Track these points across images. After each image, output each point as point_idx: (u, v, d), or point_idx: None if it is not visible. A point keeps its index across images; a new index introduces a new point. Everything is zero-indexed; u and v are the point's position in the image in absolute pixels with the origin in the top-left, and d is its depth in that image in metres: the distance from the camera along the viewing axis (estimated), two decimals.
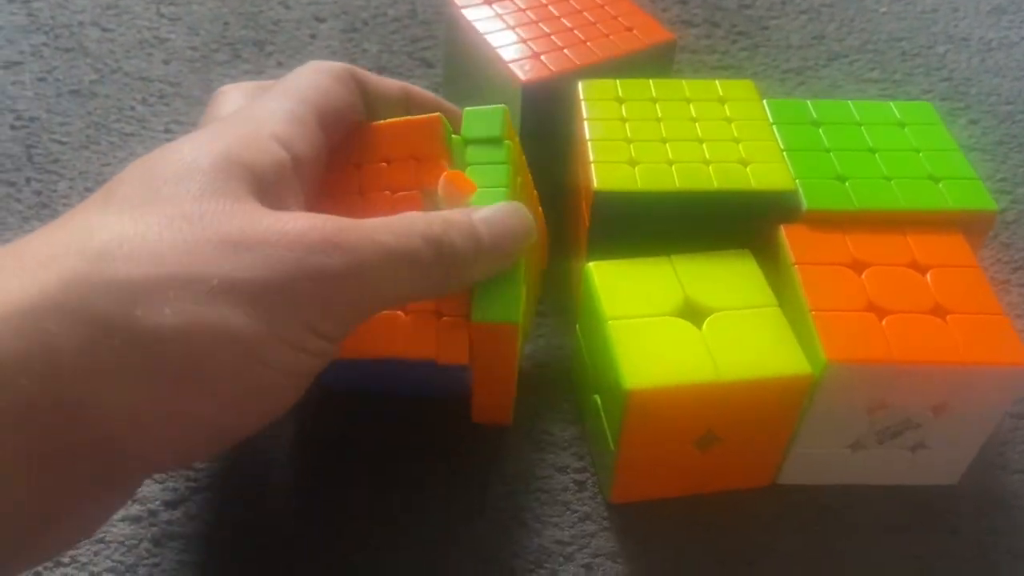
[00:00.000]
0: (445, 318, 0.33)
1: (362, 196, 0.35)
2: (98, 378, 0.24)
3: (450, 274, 0.31)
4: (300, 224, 0.27)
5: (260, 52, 0.60)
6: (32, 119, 0.54)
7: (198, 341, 0.25)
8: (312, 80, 0.34)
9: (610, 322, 0.35)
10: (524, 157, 0.39)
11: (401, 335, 0.33)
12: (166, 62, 0.59)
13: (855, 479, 0.38)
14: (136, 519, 0.35)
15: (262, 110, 0.32)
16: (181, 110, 0.55)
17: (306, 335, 0.27)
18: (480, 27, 0.46)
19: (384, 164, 0.36)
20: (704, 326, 0.35)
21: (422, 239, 0.30)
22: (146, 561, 0.34)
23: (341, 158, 0.36)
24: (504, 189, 0.35)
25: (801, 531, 0.37)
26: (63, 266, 0.24)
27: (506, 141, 0.36)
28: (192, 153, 0.29)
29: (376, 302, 0.29)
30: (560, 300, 0.44)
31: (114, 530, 0.35)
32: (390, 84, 0.38)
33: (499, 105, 0.37)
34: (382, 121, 0.37)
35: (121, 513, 0.35)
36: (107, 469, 0.25)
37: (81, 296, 0.24)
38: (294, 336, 0.27)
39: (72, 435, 0.24)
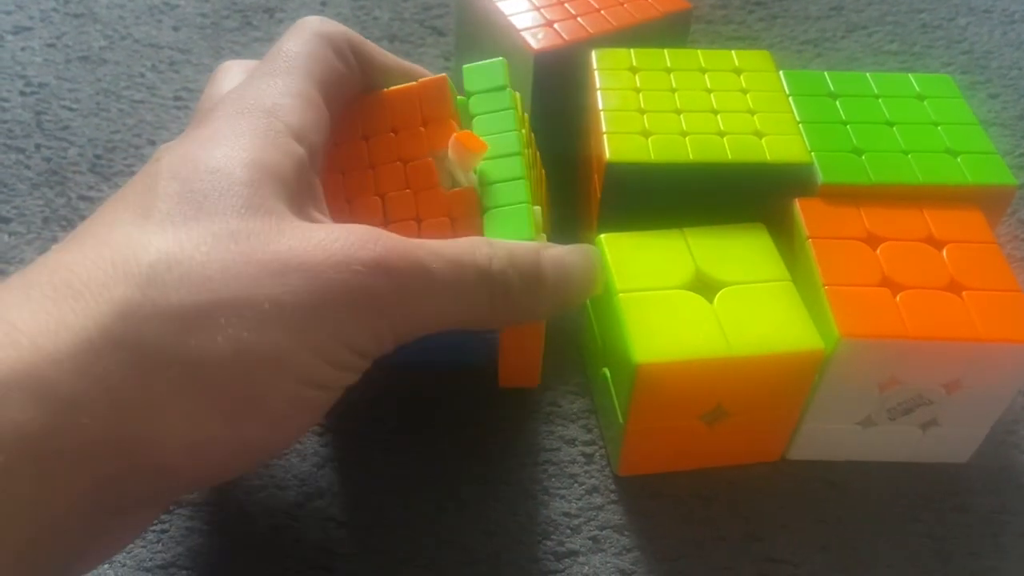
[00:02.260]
0: None
1: (374, 169, 0.35)
2: (156, 412, 0.24)
3: (500, 312, 0.30)
4: (346, 241, 0.27)
5: (271, 19, 0.59)
6: (41, 85, 0.53)
7: (251, 368, 0.25)
8: (312, 50, 0.33)
9: (620, 295, 0.34)
10: (526, 115, 0.38)
11: None
12: (176, 29, 0.58)
13: (865, 455, 0.37)
14: None
15: (270, 91, 0.31)
16: (191, 77, 0.55)
17: (348, 354, 0.27)
18: None
19: (392, 134, 0.36)
20: (715, 300, 0.34)
21: (476, 274, 0.29)
22: (154, 527, 0.34)
23: (346, 131, 0.35)
24: (513, 133, 0.34)
25: (810, 507, 0.36)
26: (115, 295, 0.24)
27: (508, 88, 0.36)
28: (224, 161, 0.28)
29: (420, 327, 0.29)
30: None
31: None
32: (386, 55, 0.38)
33: (498, 58, 0.37)
34: (387, 89, 0.36)
35: None
36: (156, 494, 0.26)
37: (137, 329, 0.24)
38: (337, 356, 0.27)
39: (128, 466, 0.24)
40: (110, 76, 0.54)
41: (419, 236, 0.33)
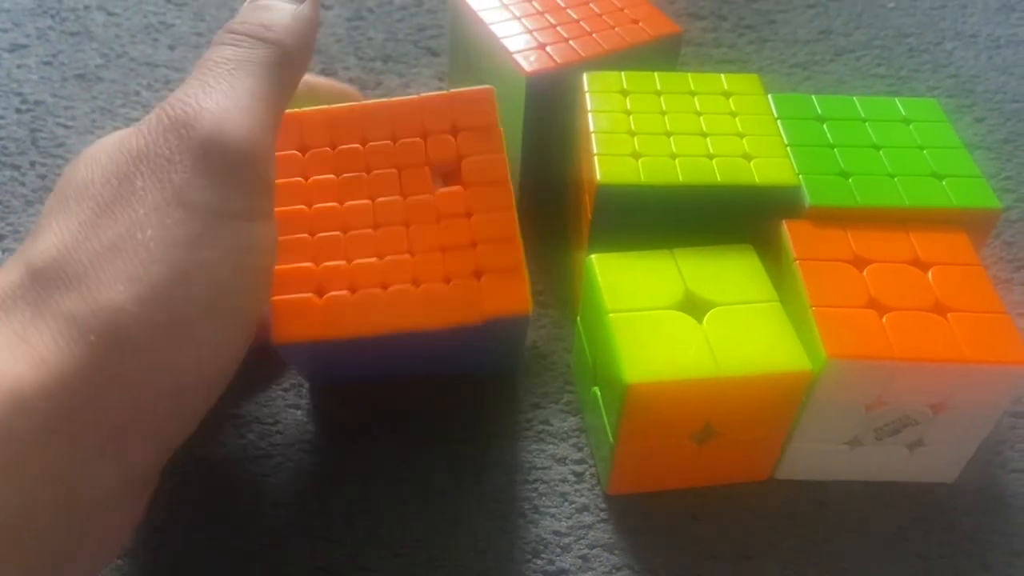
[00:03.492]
0: (487, 275, 0.33)
1: (368, 174, 0.35)
2: (94, 379, 0.25)
3: None
4: None
5: None
6: (37, 103, 0.54)
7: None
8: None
9: (611, 315, 0.35)
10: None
11: (449, 305, 0.33)
12: (171, 47, 0.59)
13: (853, 475, 0.38)
14: None
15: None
16: None
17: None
18: (485, 17, 0.45)
19: (390, 141, 0.36)
20: (705, 320, 0.35)
21: None
22: (149, 544, 0.34)
23: (347, 135, 0.36)
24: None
25: (799, 526, 0.37)
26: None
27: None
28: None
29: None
30: (562, 292, 0.44)
31: None
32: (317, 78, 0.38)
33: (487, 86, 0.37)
34: (420, 96, 0.37)
35: None
36: (119, 462, 0.26)
37: (52, 303, 0.25)
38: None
39: (85, 434, 0.25)
40: (106, 94, 0.55)
41: (408, 245, 0.34)
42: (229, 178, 0.28)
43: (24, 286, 0.26)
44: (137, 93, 0.55)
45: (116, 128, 0.52)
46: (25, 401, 0.23)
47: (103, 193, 0.27)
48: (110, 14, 0.61)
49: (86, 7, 0.61)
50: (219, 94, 0.29)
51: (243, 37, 0.31)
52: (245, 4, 0.33)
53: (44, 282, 0.26)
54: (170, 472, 0.36)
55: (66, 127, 0.52)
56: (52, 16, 0.60)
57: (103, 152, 0.28)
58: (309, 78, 0.37)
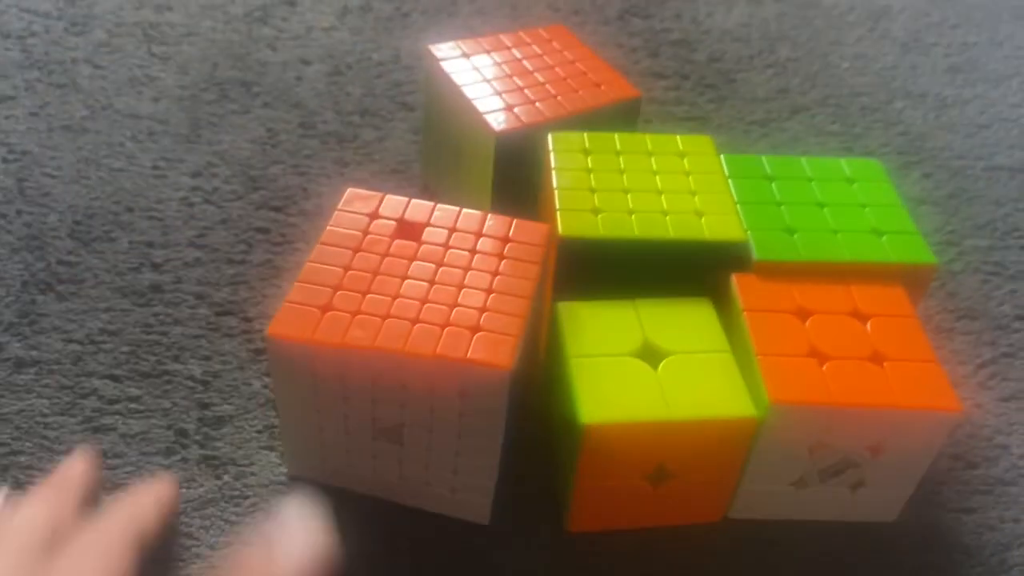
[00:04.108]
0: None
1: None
2: None
3: None
4: None
5: (247, 92, 0.62)
6: (24, 153, 0.56)
7: None
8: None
9: (572, 359, 0.37)
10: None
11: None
12: (156, 100, 0.61)
13: (801, 515, 0.40)
14: None
15: None
16: (168, 147, 0.57)
17: None
18: (457, 78, 0.48)
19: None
20: (660, 367, 0.37)
21: None
22: None
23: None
24: None
25: (751, 565, 0.39)
26: None
27: None
28: None
29: None
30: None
31: None
32: None
33: None
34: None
35: None
36: None
37: None
38: None
39: None
40: (91, 145, 0.57)
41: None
42: None
43: None
44: (122, 144, 0.57)
45: (101, 178, 0.54)
46: None
47: None
48: (96, 67, 0.63)
49: (73, 60, 0.64)
50: None
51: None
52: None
53: None
54: None
55: (52, 177, 0.54)
56: (40, 68, 0.63)
57: None
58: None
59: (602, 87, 0.49)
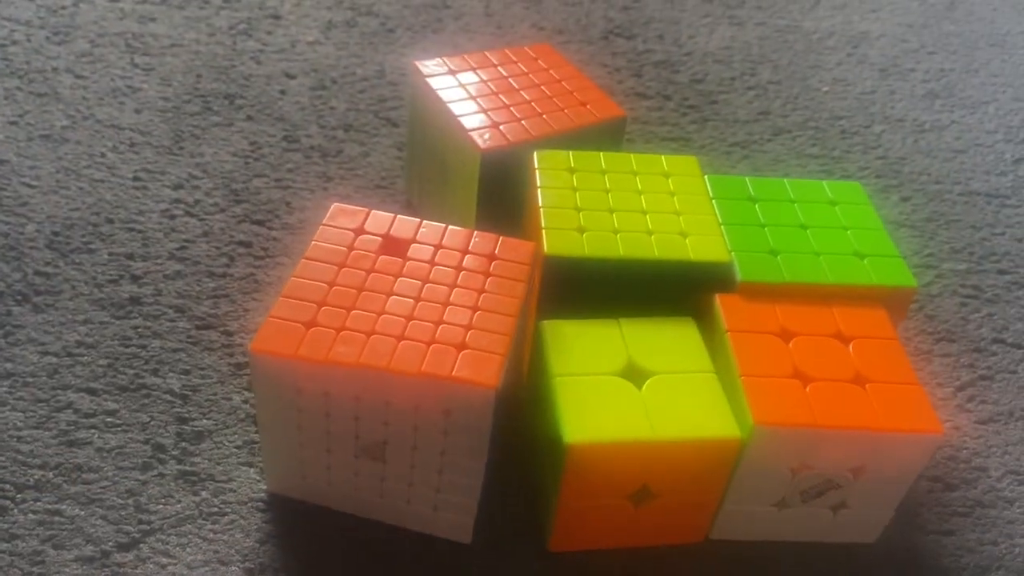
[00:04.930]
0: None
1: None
2: None
3: None
4: None
5: (230, 105, 0.62)
6: (2, 162, 0.55)
7: None
8: None
9: (556, 378, 0.37)
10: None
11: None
12: (138, 111, 0.61)
13: (782, 535, 0.40)
14: (89, 559, 0.36)
15: None
16: (150, 158, 0.57)
17: None
18: (444, 96, 0.48)
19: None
20: (644, 387, 0.37)
21: None
22: None
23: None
24: None
25: None
26: None
27: None
28: None
29: None
30: None
31: (66, 570, 0.36)
32: None
33: None
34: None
35: (75, 552, 0.36)
36: None
37: None
38: None
39: None
40: (71, 155, 0.56)
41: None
42: None
43: None
44: (103, 155, 0.57)
45: (80, 189, 0.53)
46: None
47: None
48: (78, 77, 0.63)
49: (54, 69, 0.63)
50: None
51: None
52: None
53: None
54: (123, 530, 0.37)
55: (30, 186, 0.54)
56: (20, 77, 0.62)
57: None
58: None
59: (588, 106, 0.49)
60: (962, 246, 0.58)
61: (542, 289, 0.41)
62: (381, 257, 0.38)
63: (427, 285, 0.37)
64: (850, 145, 0.66)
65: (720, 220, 0.43)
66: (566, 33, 0.74)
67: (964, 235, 0.59)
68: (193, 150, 0.58)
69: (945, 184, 0.63)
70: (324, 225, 0.39)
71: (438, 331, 0.35)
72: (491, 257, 0.39)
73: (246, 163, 0.57)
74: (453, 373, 0.33)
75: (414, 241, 0.39)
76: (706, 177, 0.45)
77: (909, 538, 0.41)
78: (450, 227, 0.40)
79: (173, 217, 0.53)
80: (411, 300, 0.36)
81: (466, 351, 0.34)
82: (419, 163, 0.53)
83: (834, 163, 0.65)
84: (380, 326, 0.35)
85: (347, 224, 0.39)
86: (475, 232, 0.40)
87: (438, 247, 0.39)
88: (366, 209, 0.40)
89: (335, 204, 0.41)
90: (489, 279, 0.38)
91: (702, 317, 0.40)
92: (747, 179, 0.46)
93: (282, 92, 0.64)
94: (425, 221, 0.40)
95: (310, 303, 0.36)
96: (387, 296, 0.36)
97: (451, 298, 0.37)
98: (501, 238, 0.40)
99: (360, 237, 0.39)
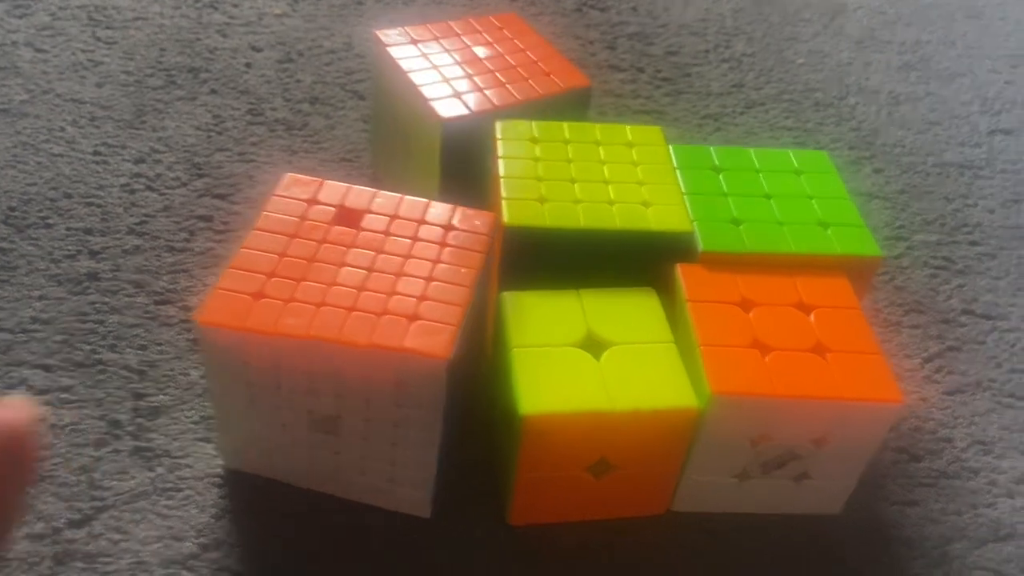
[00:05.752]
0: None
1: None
2: None
3: None
4: None
5: (195, 79, 0.61)
6: None
7: None
8: None
9: (514, 349, 0.36)
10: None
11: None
12: (99, 85, 0.59)
13: (745, 507, 0.39)
14: (39, 536, 0.36)
15: None
16: (111, 133, 0.56)
17: None
18: (405, 65, 0.47)
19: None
20: (602, 358, 0.36)
21: None
22: None
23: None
24: None
25: (695, 558, 0.38)
26: None
27: None
28: None
29: None
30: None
31: (16, 548, 0.35)
32: None
33: None
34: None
35: (24, 530, 0.36)
36: None
37: None
38: None
39: None
40: (29, 129, 0.55)
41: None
42: None
43: None
44: (62, 129, 0.56)
45: (39, 163, 0.52)
46: None
47: None
48: (38, 50, 0.62)
49: (13, 43, 0.62)
50: None
51: None
52: None
53: None
54: (75, 507, 0.37)
55: None
56: None
57: None
58: None
59: (552, 76, 0.48)
60: (934, 217, 0.58)
61: (503, 260, 0.41)
62: (334, 228, 0.37)
63: (380, 256, 0.36)
64: (824, 117, 0.66)
65: (683, 190, 0.42)
66: (539, 4, 0.73)
67: (936, 207, 0.59)
68: (155, 124, 0.57)
69: (918, 156, 0.63)
70: (276, 196, 0.39)
71: (390, 302, 0.34)
72: (448, 228, 0.38)
73: (209, 137, 0.56)
74: (404, 344, 0.33)
75: (368, 211, 0.38)
76: (670, 147, 0.45)
77: (873, 509, 0.41)
78: (406, 197, 0.39)
79: (133, 191, 0.52)
80: (363, 271, 0.36)
81: (418, 322, 0.34)
82: (383, 135, 0.52)
83: (807, 135, 0.64)
84: (331, 297, 0.34)
85: (300, 194, 0.39)
86: (432, 202, 0.39)
87: (393, 217, 0.38)
88: (319, 179, 0.40)
89: (288, 174, 0.40)
90: (445, 250, 0.37)
91: (664, 287, 0.40)
92: (712, 149, 0.45)
93: (247, 65, 0.63)
94: (381, 191, 0.39)
95: (259, 274, 0.35)
96: (339, 267, 0.36)
97: (405, 269, 0.36)
98: (459, 208, 0.39)
99: (313, 208, 0.38)
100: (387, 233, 0.37)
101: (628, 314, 0.38)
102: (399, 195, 0.39)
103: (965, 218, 0.58)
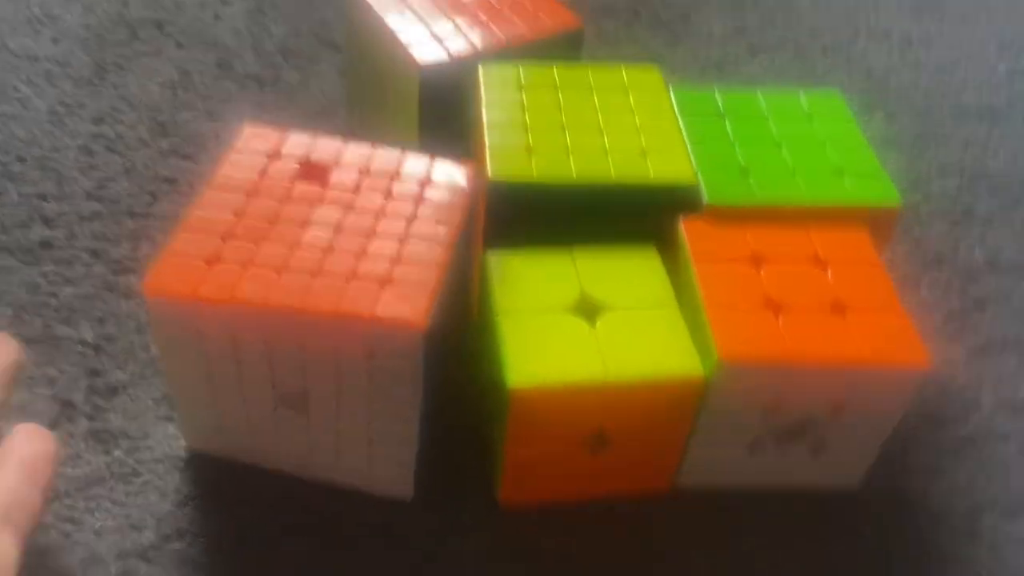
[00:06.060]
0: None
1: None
2: None
3: None
4: None
5: (160, 32, 0.57)
6: None
7: None
8: None
9: (500, 316, 0.33)
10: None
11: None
12: (55, 41, 0.55)
13: (755, 481, 0.36)
14: None
15: None
16: (68, 91, 0.52)
17: None
18: (379, 7, 0.43)
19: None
20: (598, 324, 0.33)
21: None
22: None
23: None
24: None
25: (701, 536, 0.35)
26: None
27: None
28: None
29: None
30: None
31: None
32: None
33: None
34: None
35: None
36: None
37: None
38: None
39: None
40: None
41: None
42: None
43: None
44: (16, 88, 0.52)
45: None
46: None
47: None
48: None
49: None
50: None
51: None
52: None
53: None
54: None
55: None
56: None
57: None
58: None
59: (541, 16, 0.44)
60: (952, 165, 0.54)
61: (488, 217, 0.37)
62: (298, 184, 0.34)
63: (350, 214, 0.33)
64: (832, 62, 0.62)
65: (686, 138, 0.39)
66: None
67: (954, 154, 0.55)
68: (117, 81, 0.53)
69: (934, 100, 0.59)
70: (233, 150, 0.35)
71: (360, 265, 0.31)
72: (425, 182, 0.34)
73: (174, 94, 0.53)
74: (375, 312, 0.29)
75: (336, 165, 0.35)
76: (671, 91, 0.41)
77: (895, 480, 0.38)
78: (379, 149, 0.36)
79: (92, 153, 0.48)
80: (330, 231, 0.32)
81: (391, 286, 0.30)
82: (359, 86, 0.49)
83: (816, 81, 0.60)
84: (294, 261, 0.31)
85: (260, 148, 0.35)
86: (407, 153, 0.35)
87: (364, 172, 0.35)
88: (281, 131, 0.36)
89: (247, 126, 0.36)
90: (421, 206, 0.33)
91: (666, 244, 0.36)
92: (716, 92, 0.41)
93: (216, 17, 0.59)
94: (350, 143, 0.36)
95: (213, 237, 0.31)
96: (303, 228, 0.32)
97: (377, 228, 0.32)
98: (436, 160, 0.35)
99: (275, 163, 0.35)
100: (357, 189, 0.34)
101: (626, 274, 0.35)
102: (370, 146, 0.36)
103: (985, 166, 0.54)
